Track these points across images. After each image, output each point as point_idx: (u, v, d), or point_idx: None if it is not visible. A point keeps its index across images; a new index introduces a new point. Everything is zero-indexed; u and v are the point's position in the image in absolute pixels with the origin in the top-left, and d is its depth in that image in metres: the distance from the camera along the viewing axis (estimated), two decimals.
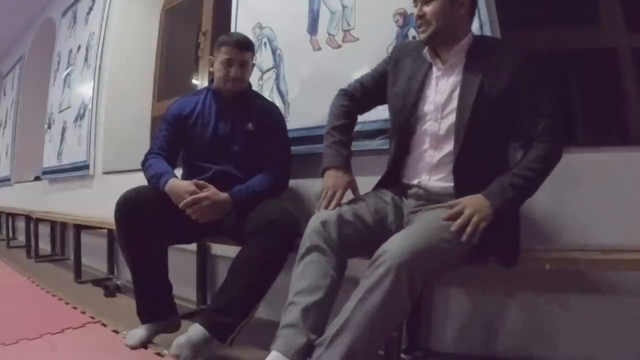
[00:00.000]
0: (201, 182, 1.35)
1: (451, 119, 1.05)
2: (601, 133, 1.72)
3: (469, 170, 1.04)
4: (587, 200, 1.22)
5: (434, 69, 1.12)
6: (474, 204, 0.96)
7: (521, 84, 1.02)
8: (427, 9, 1.05)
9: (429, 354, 1.37)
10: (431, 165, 1.09)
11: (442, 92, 1.08)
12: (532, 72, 1.04)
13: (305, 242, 1.01)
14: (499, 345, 1.30)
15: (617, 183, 1.20)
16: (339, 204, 1.08)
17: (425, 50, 1.12)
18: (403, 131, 1.12)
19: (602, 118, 1.72)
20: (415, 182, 1.11)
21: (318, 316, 0.94)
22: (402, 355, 1.24)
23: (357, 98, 1.23)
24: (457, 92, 1.06)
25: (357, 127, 1.32)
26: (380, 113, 1.35)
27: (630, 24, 1.58)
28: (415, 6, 1.09)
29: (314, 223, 1.02)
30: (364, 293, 0.86)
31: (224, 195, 1.34)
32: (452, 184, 1.05)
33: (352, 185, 1.14)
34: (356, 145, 1.33)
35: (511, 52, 1.05)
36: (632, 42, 1.57)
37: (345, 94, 1.24)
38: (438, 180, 1.08)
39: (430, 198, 1.09)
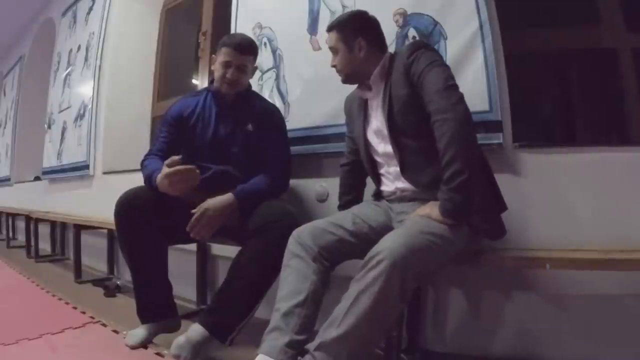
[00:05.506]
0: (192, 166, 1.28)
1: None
2: (601, 133, 1.72)
3: (414, 166, 1.13)
4: (587, 200, 1.22)
5: (369, 102, 1.25)
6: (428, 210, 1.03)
7: (414, 74, 1.09)
8: (336, 60, 1.24)
9: (428, 354, 1.37)
10: (394, 176, 1.20)
11: (377, 118, 1.22)
12: (421, 60, 1.08)
13: (285, 254, 1.10)
14: (498, 345, 1.30)
15: (617, 183, 1.20)
16: None
17: (356, 89, 1.29)
18: (368, 163, 1.28)
19: (602, 118, 1.71)
20: (392, 189, 1.22)
21: (300, 318, 1.00)
22: (402, 355, 1.25)
23: (351, 162, 1.40)
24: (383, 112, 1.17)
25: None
26: None
27: (630, 24, 1.58)
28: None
29: (290, 237, 1.12)
30: (355, 297, 0.89)
31: (227, 196, 1.33)
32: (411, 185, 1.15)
33: None
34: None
35: (402, 53, 1.14)
36: (632, 42, 1.57)
37: (342, 166, 1.43)
38: (403, 183, 1.17)
39: (413, 197, 1.16)
